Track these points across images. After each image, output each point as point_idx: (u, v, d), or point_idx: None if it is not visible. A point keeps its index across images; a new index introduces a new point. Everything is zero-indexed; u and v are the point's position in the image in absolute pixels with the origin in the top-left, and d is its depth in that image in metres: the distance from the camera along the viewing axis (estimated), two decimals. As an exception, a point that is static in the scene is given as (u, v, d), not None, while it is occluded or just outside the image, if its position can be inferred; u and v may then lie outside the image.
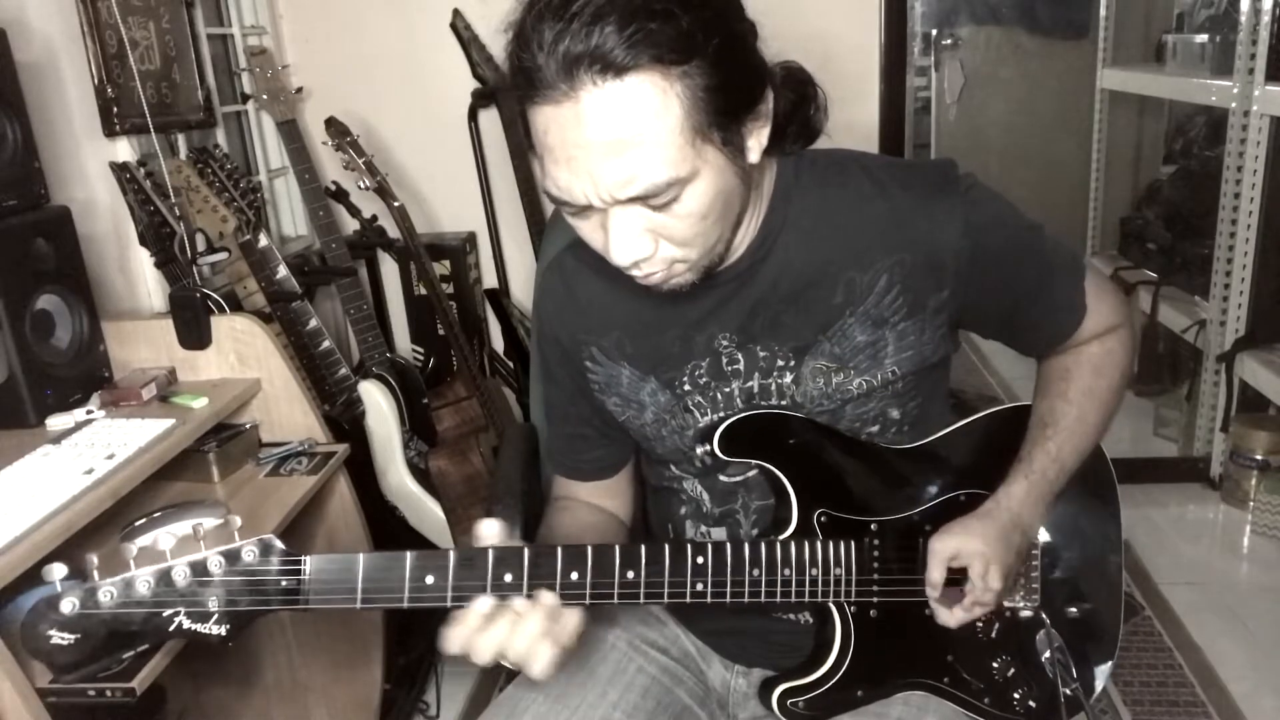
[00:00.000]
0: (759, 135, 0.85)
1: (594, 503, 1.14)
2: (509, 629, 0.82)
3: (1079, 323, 1.02)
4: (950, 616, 0.98)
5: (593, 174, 0.78)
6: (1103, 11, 3.46)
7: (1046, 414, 1.04)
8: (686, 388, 1.00)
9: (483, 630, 0.81)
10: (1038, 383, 1.08)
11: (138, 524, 1.36)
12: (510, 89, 0.83)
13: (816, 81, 0.94)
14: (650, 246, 0.84)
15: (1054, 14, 3.90)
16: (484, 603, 0.81)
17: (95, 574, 0.74)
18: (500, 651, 0.82)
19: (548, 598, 0.83)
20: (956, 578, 0.97)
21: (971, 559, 0.95)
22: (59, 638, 0.73)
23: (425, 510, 2.01)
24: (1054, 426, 1.02)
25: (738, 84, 0.81)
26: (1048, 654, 1.03)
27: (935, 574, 0.96)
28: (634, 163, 0.77)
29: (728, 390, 0.99)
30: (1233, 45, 2.46)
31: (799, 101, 0.92)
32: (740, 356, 0.99)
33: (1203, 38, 2.71)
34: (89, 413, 1.42)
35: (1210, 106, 2.77)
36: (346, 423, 1.91)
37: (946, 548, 0.96)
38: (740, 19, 0.84)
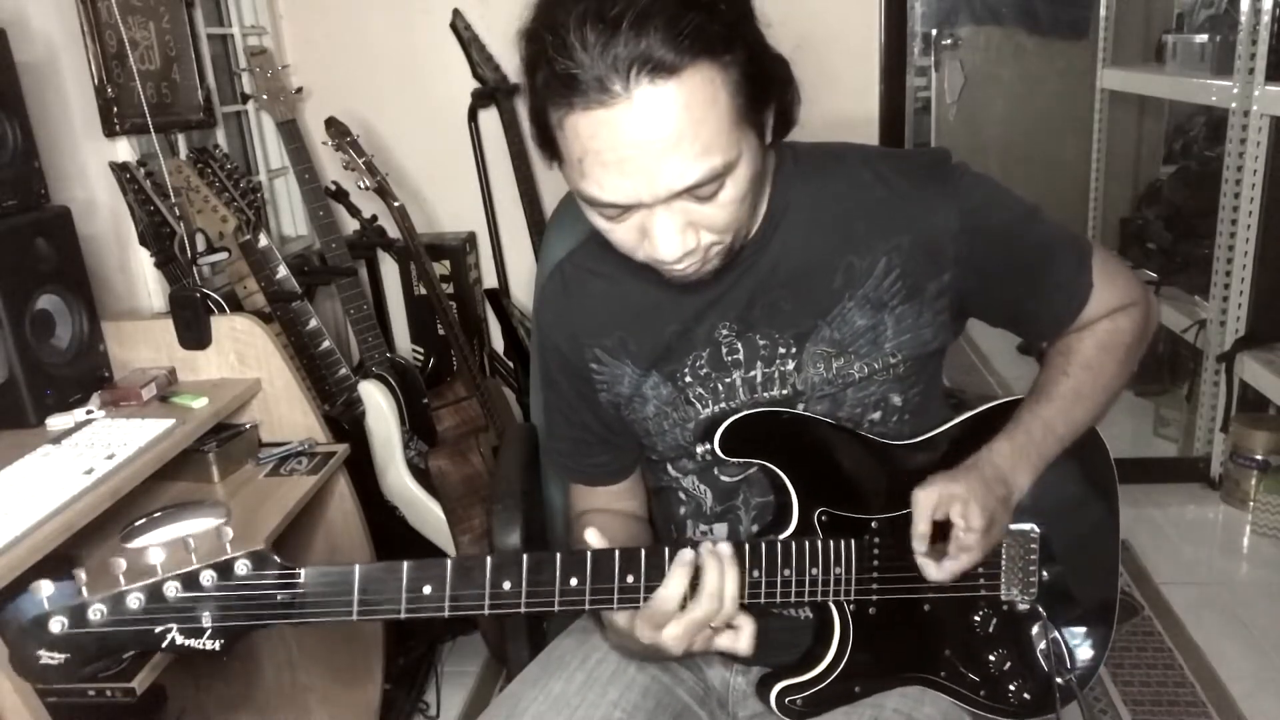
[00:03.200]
0: (771, 118, 0.87)
1: (616, 508, 1.14)
2: (719, 574, 0.85)
3: (1085, 301, 1.02)
4: (938, 571, 0.96)
5: (649, 172, 0.78)
6: (1103, 11, 3.46)
7: (1041, 384, 1.04)
8: (688, 379, 1.01)
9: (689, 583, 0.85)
10: (1043, 361, 1.08)
11: (138, 524, 1.36)
12: (538, 94, 0.81)
13: (793, 71, 0.94)
14: (694, 239, 0.85)
15: (1054, 14, 3.90)
16: (689, 554, 0.86)
17: (84, 590, 0.73)
18: (721, 594, 0.85)
19: (725, 548, 0.87)
20: (944, 536, 0.96)
21: (951, 501, 0.94)
22: (48, 658, 0.72)
23: (425, 510, 2.01)
24: (1045, 394, 1.03)
25: (766, 69, 0.83)
26: (1043, 646, 1.04)
27: (921, 525, 0.95)
28: (689, 155, 0.78)
29: (729, 380, 1.00)
30: (1233, 45, 2.46)
31: (780, 85, 0.92)
32: (740, 346, 0.99)
33: (1203, 38, 2.71)
34: (89, 413, 1.42)
35: (1210, 106, 2.77)
36: (346, 423, 1.91)
37: (929, 497, 0.95)
38: (752, 8, 0.85)
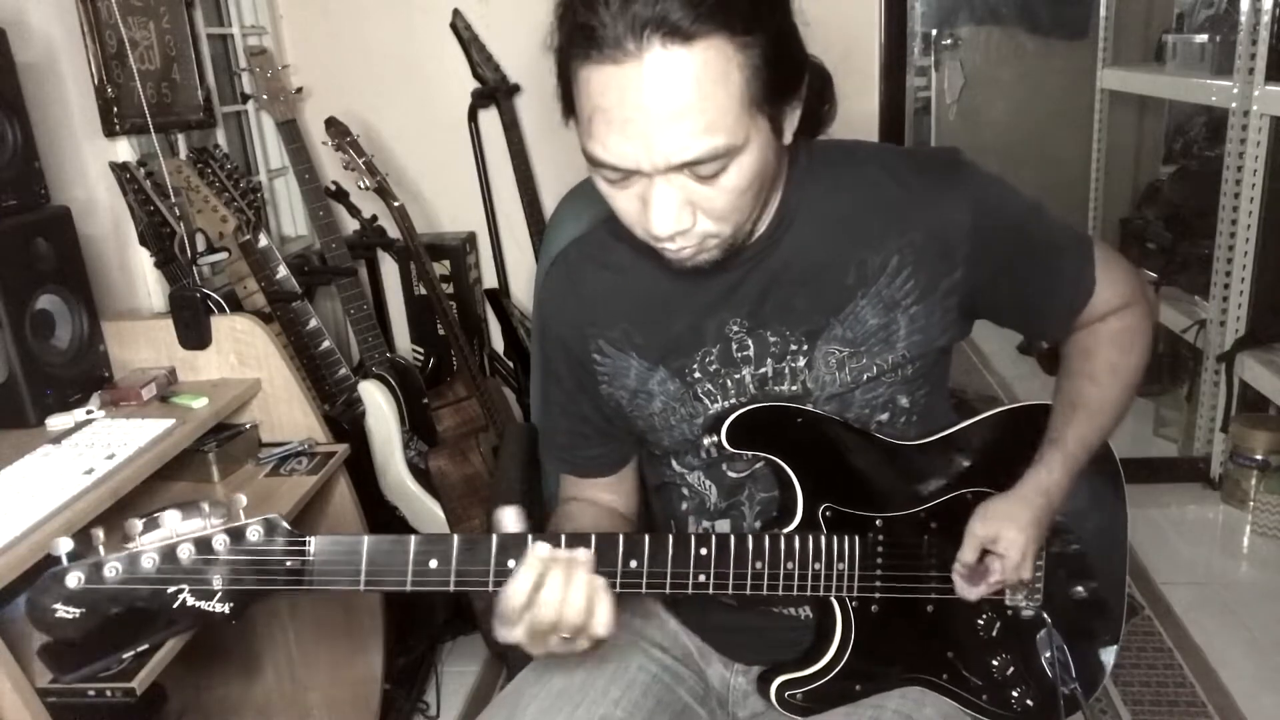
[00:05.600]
0: (794, 118, 0.87)
1: (599, 499, 1.14)
2: (564, 580, 0.81)
3: (1090, 297, 1.02)
4: (972, 591, 0.98)
5: (648, 138, 0.78)
6: (1103, 11, 3.47)
7: (1074, 394, 1.04)
8: (696, 375, 1.01)
9: (539, 587, 0.81)
10: (1061, 365, 1.08)
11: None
12: (562, 47, 0.82)
13: (833, 80, 0.95)
14: (690, 219, 0.84)
15: (1054, 14, 3.90)
16: (543, 546, 0.82)
17: (101, 549, 0.75)
18: (561, 605, 0.81)
19: (584, 553, 0.83)
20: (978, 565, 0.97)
21: (1010, 547, 0.96)
22: (64, 611, 0.73)
23: (425, 510, 2.02)
24: (1084, 407, 1.03)
25: (789, 63, 0.83)
26: (1048, 654, 1.03)
27: (969, 555, 0.97)
28: (693, 128, 0.78)
29: (738, 377, 1.00)
30: (1233, 45, 2.46)
31: (817, 96, 0.93)
32: (750, 342, 0.99)
33: (1203, 38, 2.71)
34: (89, 413, 1.42)
35: (1210, 106, 2.77)
36: (346, 423, 1.91)
37: (987, 531, 0.96)
38: (790, 3, 0.85)
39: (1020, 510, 0.97)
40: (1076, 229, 1.04)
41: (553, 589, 0.81)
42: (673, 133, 0.78)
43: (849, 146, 1.01)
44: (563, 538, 0.84)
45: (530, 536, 0.84)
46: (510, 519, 0.85)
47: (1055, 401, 1.06)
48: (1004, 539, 0.96)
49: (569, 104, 0.84)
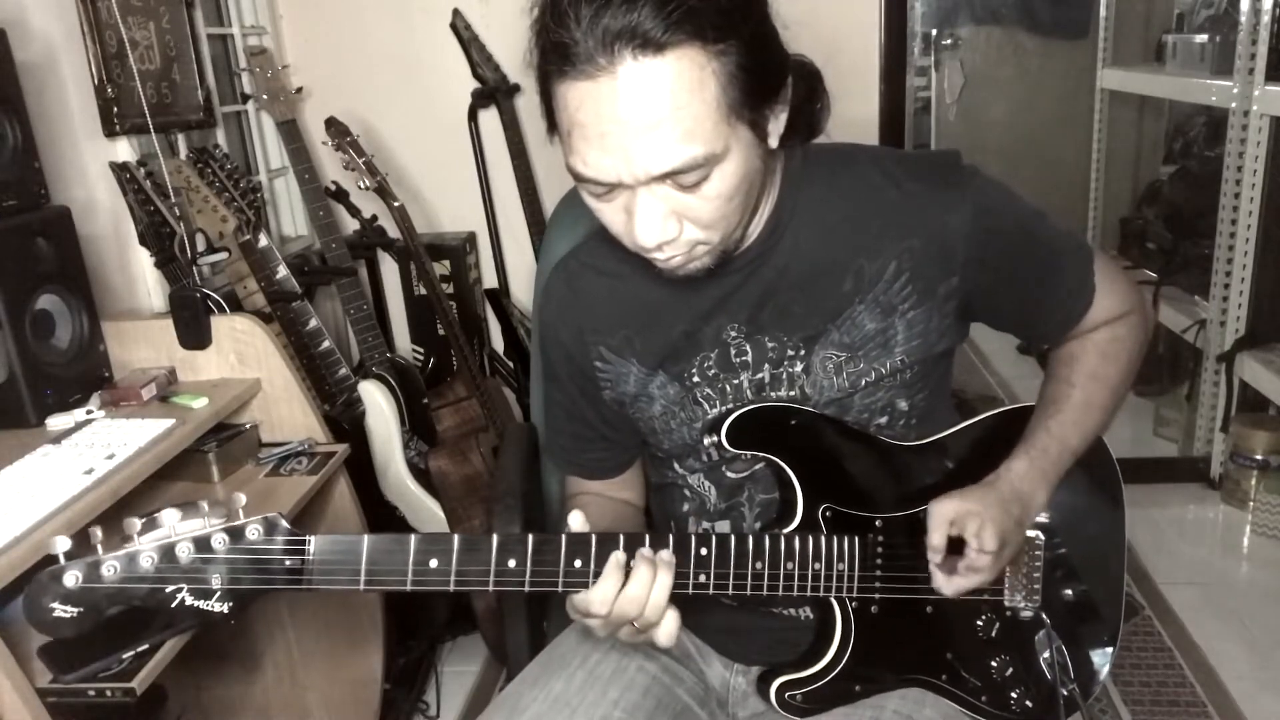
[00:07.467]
0: (779, 121, 0.87)
1: (610, 494, 1.14)
2: (649, 582, 0.83)
3: (1089, 305, 1.02)
4: (947, 584, 0.96)
5: (627, 150, 0.78)
6: (1103, 11, 3.46)
7: (1050, 397, 1.04)
8: (695, 379, 1.01)
9: (621, 586, 0.83)
10: (1046, 370, 1.09)
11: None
12: (539, 64, 0.82)
13: (824, 78, 0.95)
14: (675, 228, 0.84)
15: (1054, 14, 3.90)
16: (621, 556, 0.84)
17: (99, 548, 0.74)
18: (644, 603, 0.83)
19: (665, 554, 0.85)
20: (958, 550, 0.96)
21: (967, 518, 0.94)
22: (61, 610, 0.73)
23: (425, 510, 2.02)
24: (1056, 407, 1.02)
25: (768, 67, 0.82)
26: (1047, 654, 1.03)
27: (936, 538, 0.95)
28: (670, 138, 0.78)
29: (736, 382, 1.00)
30: (1233, 45, 2.46)
31: (807, 95, 0.93)
32: (748, 348, 0.99)
33: (1203, 38, 2.71)
34: (89, 413, 1.42)
35: (1210, 106, 2.77)
36: (346, 423, 1.91)
37: (945, 510, 0.95)
38: (767, 7, 0.85)
39: (975, 491, 0.97)
40: (1077, 236, 1.04)
41: (636, 585, 0.83)
42: (650, 144, 0.77)
43: (845, 149, 1.00)
44: (620, 537, 0.86)
45: (594, 536, 0.85)
46: (576, 521, 0.86)
47: (1036, 403, 1.06)
48: (961, 512, 0.95)
49: (550, 117, 0.84)
